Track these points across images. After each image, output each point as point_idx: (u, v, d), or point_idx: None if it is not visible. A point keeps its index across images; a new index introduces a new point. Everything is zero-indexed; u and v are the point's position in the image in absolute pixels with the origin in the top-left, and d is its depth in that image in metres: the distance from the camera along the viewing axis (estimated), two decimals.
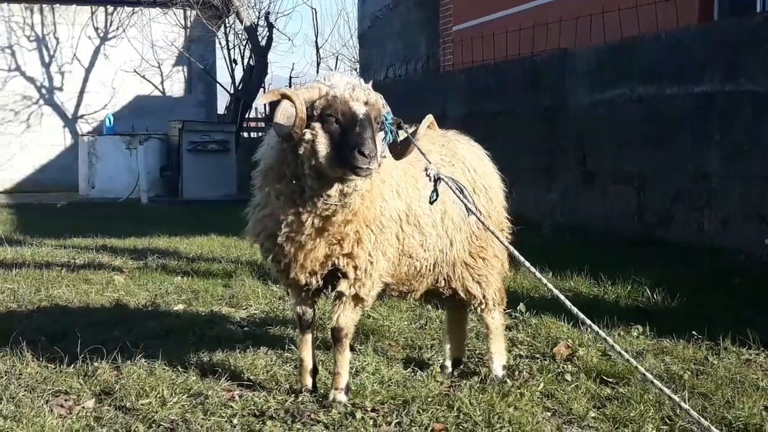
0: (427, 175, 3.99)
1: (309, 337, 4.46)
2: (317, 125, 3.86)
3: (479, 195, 4.66)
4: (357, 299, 4.26)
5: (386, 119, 4.07)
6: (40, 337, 5.53)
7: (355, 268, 4.15)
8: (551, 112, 11.20)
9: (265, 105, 22.89)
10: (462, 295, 4.70)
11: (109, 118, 19.88)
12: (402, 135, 4.13)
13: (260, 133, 24.00)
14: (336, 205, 3.96)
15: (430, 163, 4.06)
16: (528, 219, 10.18)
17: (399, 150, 4.10)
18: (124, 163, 18.53)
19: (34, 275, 7.90)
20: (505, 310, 4.97)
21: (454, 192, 4.03)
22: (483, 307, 4.75)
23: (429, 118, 4.31)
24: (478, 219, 4.04)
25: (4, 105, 21.78)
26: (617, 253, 8.66)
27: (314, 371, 4.52)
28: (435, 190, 3.98)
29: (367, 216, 4.10)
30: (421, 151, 4.08)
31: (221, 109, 23.38)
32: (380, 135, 3.99)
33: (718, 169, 8.69)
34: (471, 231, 4.62)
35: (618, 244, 9.28)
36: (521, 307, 6.19)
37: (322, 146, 3.82)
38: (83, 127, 22.19)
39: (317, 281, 4.20)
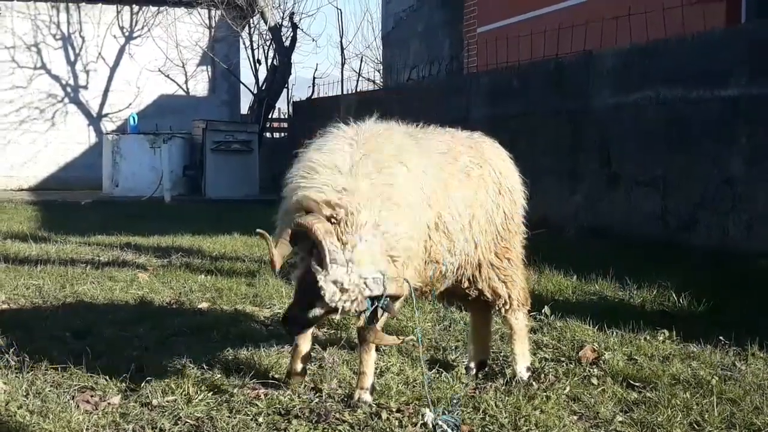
0: (424, 421, 3.95)
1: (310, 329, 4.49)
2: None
3: (504, 197, 4.66)
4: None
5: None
6: (65, 333, 5.56)
7: None
8: (575, 114, 11.15)
9: (288, 105, 23.00)
10: (488, 295, 4.70)
11: (134, 117, 19.98)
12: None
13: (283, 134, 24.10)
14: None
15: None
16: (551, 221, 10.15)
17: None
18: (148, 162, 18.61)
19: (59, 272, 7.94)
20: (529, 311, 4.96)
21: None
22: (507, 307, 4.75)
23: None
24: None
25: (30, 103, 21.93)
26: (641, 256, 8.60)
27: (307, 357, 4.57)
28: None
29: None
30: None
31: (244, 109, 23.43)
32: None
33: (743, 173, 8.62)
34: (497, 232, 4.62)
35: (642, 247, 9.22)
36: (546, 310, 6.16)
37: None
38: (107, 125, 22.32)
39: None
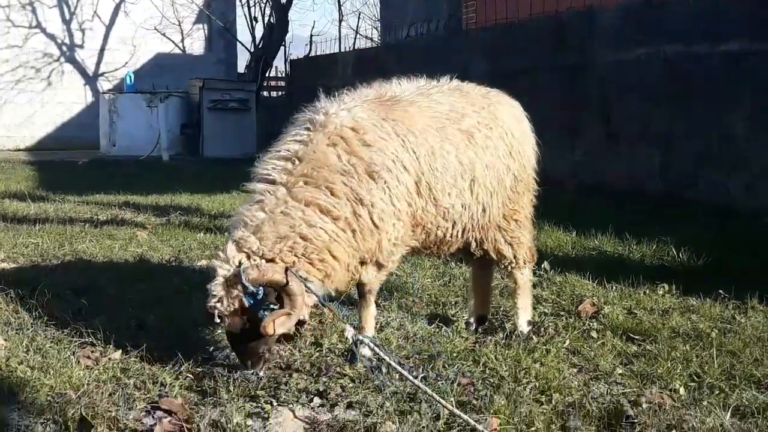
0: (345, 337, 3.92)
1: None
2: None
3: (515, 159, 4.61)
4: (378, 264, 4.25)
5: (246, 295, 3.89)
6: (65, 291, 5.55)
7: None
8: (576, 71, 11.07)
9: (285, 64, 22.83)
10: (493, 255, 4.70)
11: (130, 76, 19.85)
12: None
13: (281, 93, 23.96)
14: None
15: (351, 327, 3.96)
16: (552, 178, 10.09)
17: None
18: (145, 121, 18.52)
19: (58, 231, 7.93)
20: (534, 265, 4.96)
21: (379, 354, 3.82)
22: (513, 266, 4.75)
23: None
24: (413, 382, 3.64)
25: (25, 62, 21.78)
26: (641, 213, 8.60)
27: None
28: (353, 352, 3.89)
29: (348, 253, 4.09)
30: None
31: (241, 68, 23.28)
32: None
33: (744, 131, 8.58)
34: (506, 195, 4.59)
35: (642, 204, 9.20)
36: (545, 265, 6.15)
37: None
38: (104, 84, 22.19)
39: None
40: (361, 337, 3.83)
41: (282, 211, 3.95)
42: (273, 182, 4.06)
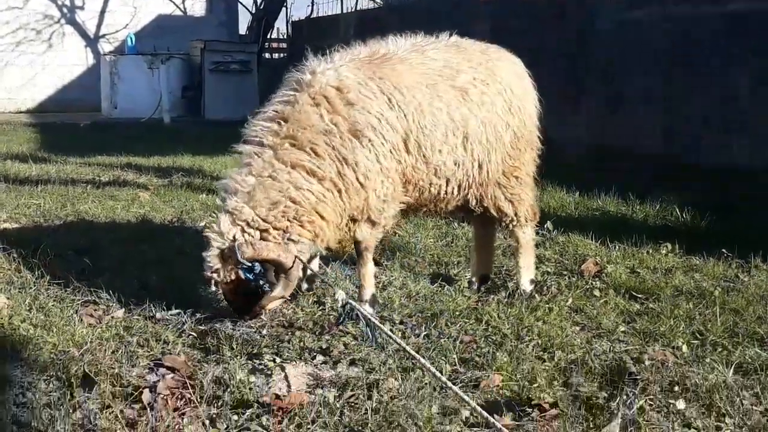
0: (335, 300, 3.93)
1: None
2: None
3: (515, 115, 4.58)
4: (370, 221, 4.25)
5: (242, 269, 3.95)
6: (68, 251, 5.55)
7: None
8: (579, 32, 10.97)
9: (287, 25, 22.67)
10: (494, 213, 4.68)
11: (131, 38, 19.70)
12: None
13: (282, 54, 23.80)
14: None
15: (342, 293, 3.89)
16: (555, 141, 10.03)
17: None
18: (146, 83, 18.42)
19: (60, 191, 7.92)
20: (536, 224, 4.94)
21: (362, 316, 3.77)
22: (515, 223, 4.73)
23: None
24: (399, 344, 3.51)
25: (26, 24, 21.59)
26: (645, 174, 8.56)
27: (312, 279, 4.68)
28: (342, 315, 3.85)
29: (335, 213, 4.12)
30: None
31: (243, 29, 23.10)
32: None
33: (748, 92, 8.51)
34: (506, 151, 4.56)
35: (645, 166, 9.16)
36: (548, 225, 6.13)
37: None
38: (105, 46, 22.01)
39: None
40: (353, 303, 3.82)
41: (270, 175, 3.98)
42: (261, 144, 4.08)
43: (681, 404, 3.20)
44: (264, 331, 4.06)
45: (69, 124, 16.64)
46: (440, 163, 4.31)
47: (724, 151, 8.76)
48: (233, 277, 3.95)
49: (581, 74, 10.99)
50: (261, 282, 3.97)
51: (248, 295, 4.03)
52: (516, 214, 4.71)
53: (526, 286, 4.78)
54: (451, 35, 4.68)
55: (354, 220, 4.20)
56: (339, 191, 4.06)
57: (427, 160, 4.27)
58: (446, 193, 4.44)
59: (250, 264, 3.90)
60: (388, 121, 4.13)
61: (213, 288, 4.03)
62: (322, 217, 4.03)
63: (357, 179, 4.07)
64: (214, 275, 3.95)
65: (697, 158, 8.99)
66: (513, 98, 4.57)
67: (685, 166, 8.83)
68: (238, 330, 4.04)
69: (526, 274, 4.83)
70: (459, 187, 4.48)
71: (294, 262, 3.95)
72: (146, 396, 3.34)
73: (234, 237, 3.91)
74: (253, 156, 4.05)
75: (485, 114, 4.43)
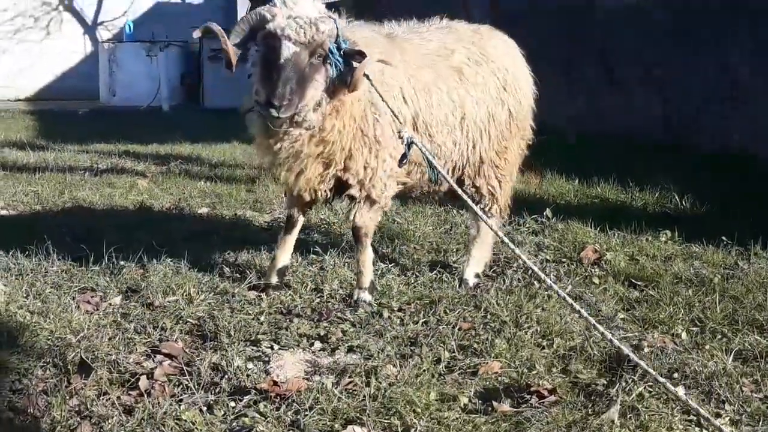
0: (400, 138, 3.81)
1: (289, 239, 4.52)
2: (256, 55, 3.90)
3: (510, 94, 4.57)
4: (370, 200, 4.24)
5: (332, 53, 3.86)
6: (66, 238, 5.52)
7: (355, 176, 4.14)
8: (575, 13, 10.90)
9: None
10: (484, 192, 4.68)
11: (129, 25, 19.62)
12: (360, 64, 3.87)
13: None
14: (294, 133, 3.93)
15: (401, 124, 3.90)
16: (552, 125, 10.01)
17: (351, 82, 3.85)
18: (145, 71, 18.35)
19: (58, 178, 7.89)
20: (506, 218, 4.99)
21: (424, 155, 3.80)
22: (490, 206, 4.69)
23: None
24: (449, 182, 3.71)
25: (24, 11, 21.51)
26: (644, 159, 8.51)
27: (282, 272, 4.54)
28: (405, 153, 3.83)
29: (346, 135, 4.05)
30: (381, 97, 3.92)
31: (241, 16, 23.02)
32: (322, 71, 3.87)
33: (747, 75, 8.46)
34: (501, 130, 4.55)
35: (644, 150, 9.11)
36: (547, 212, 6.11)
37: (256, 81, 3.90)
38: (103, 34, 21.91)
39: (323, 194, 4.22)
40: (414, 140, 3.74)
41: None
42: None
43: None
44: (262, 318, 4.05)
45: (67, 112, 16.58)
46: (441, 142, 4.32)
47: (723, 134, 8.69)
48: (317, 39, 3.81)
49: (578, 57, 10.92)
50: (335, 61, 3.87)
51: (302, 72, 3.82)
52: (497, 198, 4.71)
53: (470, 278, 4.69)
54: (441, 18, 4.69)
55: (352, 197, 4.20)
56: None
57: (433, 140, 4.27)
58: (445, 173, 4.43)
59: (343, 42, 3.88)
60: (404, 94, 4.14)
61: (283, 38, 3.80)
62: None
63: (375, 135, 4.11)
64: (297, 30, 3.81)
65: (696, 142, 8.92)
66: (508, 77, 4.59)
67: (683, 150, 8.75)
68: (236, 318, 4.02)
69: (475, 266, 4.76)
70: (454, 168, 4.50)
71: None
72: (143, 383, 3.34)
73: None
74: None
75: (480, 94, 4.46)
